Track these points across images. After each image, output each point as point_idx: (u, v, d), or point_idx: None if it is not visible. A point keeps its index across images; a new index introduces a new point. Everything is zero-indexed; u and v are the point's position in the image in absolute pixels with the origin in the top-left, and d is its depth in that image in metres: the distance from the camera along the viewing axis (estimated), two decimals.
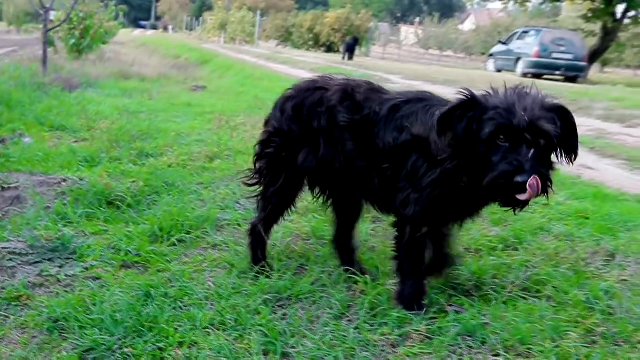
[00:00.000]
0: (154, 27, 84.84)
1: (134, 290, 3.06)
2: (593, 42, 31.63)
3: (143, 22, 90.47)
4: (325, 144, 3.13)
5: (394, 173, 2.93)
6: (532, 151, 2.47)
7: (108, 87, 12.17)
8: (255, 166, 3.40)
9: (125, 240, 3.73)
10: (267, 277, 3.26)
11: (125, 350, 2.55)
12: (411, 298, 2.96)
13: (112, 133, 6.71)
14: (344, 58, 30.12)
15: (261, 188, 3.39)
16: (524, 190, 2.44)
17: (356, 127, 3.03)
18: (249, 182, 3.46)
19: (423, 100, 2.94)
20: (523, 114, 2.49)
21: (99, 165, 5.47)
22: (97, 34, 18.20)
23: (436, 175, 2.77)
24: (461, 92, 2.63)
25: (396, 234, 3.00)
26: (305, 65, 22.29)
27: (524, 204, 2.55)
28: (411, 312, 2.90)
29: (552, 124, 2.53)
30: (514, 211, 2.65)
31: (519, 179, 2.43)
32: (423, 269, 3.00)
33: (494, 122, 2.51)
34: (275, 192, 3.31)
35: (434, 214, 2.87)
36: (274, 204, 3.34)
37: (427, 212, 2.84)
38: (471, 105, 2.60)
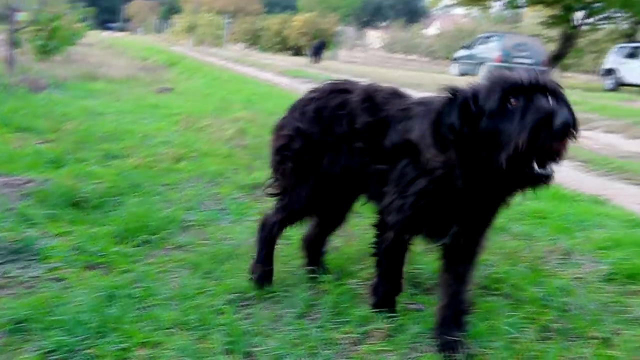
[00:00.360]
0: (123, 30, 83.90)
1: (97, 291, 3.02)
2: (553, 47, 32.19)
3: (111, 24, 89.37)
4: (347, 150, 2.94)
5: (386, 175, 2.77)
6: (551, 99, 2.22)
7: (75, 88, 12.00)
8: (275, 174, 3.17)
9: (90, 241, 3.69)
10: (232, 277, 3.25)
11: (88, 351, 2.52)
12: (384, 295, 2.94)
13: (78, 134, 6.63)
14: (310, 61, 30.17)
15: (282, 196, 3.17)
16: (566, 136, 2.15)
17: (371, 129, 2.85)
18: (273, 192, 3.23)
19: (428, 104, 2.67)
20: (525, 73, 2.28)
21: (64, 166, 5.38)
22: (64, 35, 17.93)
23: (423, 184, 2.56)
24: (443, 89, 2.43)
25: (377, 235, 2.91)
26: (272, 68, 22.28)
27: (558, 157, 2.25)
28: (381, 309, 2.89)
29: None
30: (539, 184, 2.29)
31: (558, 120, 2.11)
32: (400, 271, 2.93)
33: (499, 87, 2.26)
34: (301, 196, 3.08)
35: (417, 224, 2.67)
36: (295, 207, 3.12)
37: (410, 222, 2.66)
38: (455, 97, 2.39)
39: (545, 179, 2.25)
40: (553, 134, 2.13)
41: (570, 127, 2.13)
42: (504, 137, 2.21)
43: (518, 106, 2.21)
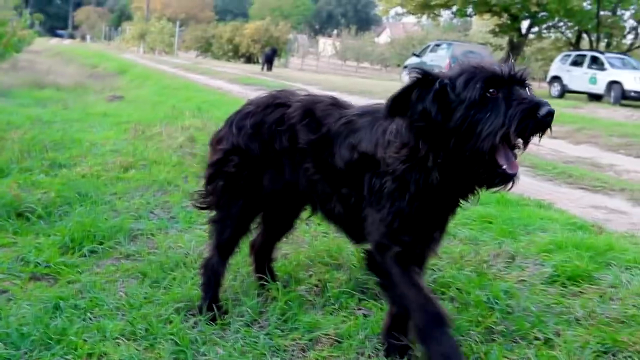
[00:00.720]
0: (72, 37, 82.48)
1: (42, 302, 2.96)
2: (501, 55, 32.84)
3: (60, 31, 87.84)
4: (289, 166, 2.84)
5: (357, 199, 2.62)
6: (528, 91, 2.27)
7: (21, 96, 11.76)
8: (207, 188, 3.04)
9: (35, 251, 3.62)
10: (180, 286, 3.22)
11: None
12: (428, 328, 2.39)
13: (23, 143, 6.48)
14: (262, 69, 30.15)
15: (214, 213, 3.05)
16: (550, 125, 2.21)
17: (315, 147, 2.73)
18: (201, 206, 3.16)
19: (372, 113, 2.64)
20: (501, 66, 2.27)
21: (8, 175, 5.27)
22: (10, 42, 17.54)
23: (394, 187, 2.43)
24: (414, 70, 2.32)
25: (382, 272, 2.54)
26: (224, 76, 22.18)
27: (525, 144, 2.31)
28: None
29: None
30: (506, 184, 2.31)
31: (542, 110, 2.16)
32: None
33: (480, 77, 2.23)
34: (233, 215, 2.96)
35: (404, 230, 2.45)
36: (231, 229, 2.99)
37: (396, 230, 2.45)
38: (428, 81, 2.29)
39: (513, 178, 2.29)
40: (539, 123, 2.18)
41: (553, 117, 2.18)
42: (485, 127, 2.19)
43: (499, 96, 2.21)
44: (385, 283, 2.54)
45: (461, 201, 2.49)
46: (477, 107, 2.21)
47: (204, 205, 3.14)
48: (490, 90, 2.21)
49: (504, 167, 2.26)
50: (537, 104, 2.16)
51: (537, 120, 2.16)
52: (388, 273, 2.49)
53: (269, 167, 2.89)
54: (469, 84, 2.23)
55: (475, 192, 2.44)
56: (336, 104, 2.85)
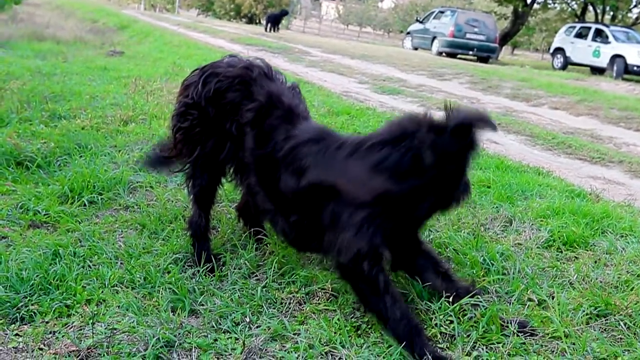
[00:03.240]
0: None
1: (41, 249, 2.98)
2: (505, 25, 32.57)
3: None
4: (233, 150, 2.93)
5: (310, 226, 2.66)
6: None
7: (20, 48, 11.66)
8: (174, 137, 3.07)
9: (34, 200, 3.63)
10: (177, 237, 3.25)
11: (31, 307, 2.50)
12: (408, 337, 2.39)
13: (23, 94, 6.44)
14: (266, 29, 29.69)
15: (187, 166, 3.09)
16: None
17: (261, 162, 2.79)
18: (167, 155, 3.21)
19: (321, 141, 2.65)
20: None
21: (8, 125, 5.25)
22: None
23: (366, 213, 2.45)
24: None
25: (357, 284, 2.54)
26: (225, 35, 21.99)
27: None
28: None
29: None
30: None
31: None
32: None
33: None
34: (198, 168, 3.02)
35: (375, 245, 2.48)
36: (201, 181, 3.05)
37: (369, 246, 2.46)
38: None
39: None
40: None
41: None
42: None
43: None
44: (362, 293, 2.54)
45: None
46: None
47: (169, 155, 3.19)
48: None
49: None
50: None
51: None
52: (365, 285, 2.51)
53: (216, 134, 2.95)
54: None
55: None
56: (291, 113, 2.84)
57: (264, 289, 2.80)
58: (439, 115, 2.42)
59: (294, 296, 2.77)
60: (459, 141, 2.37)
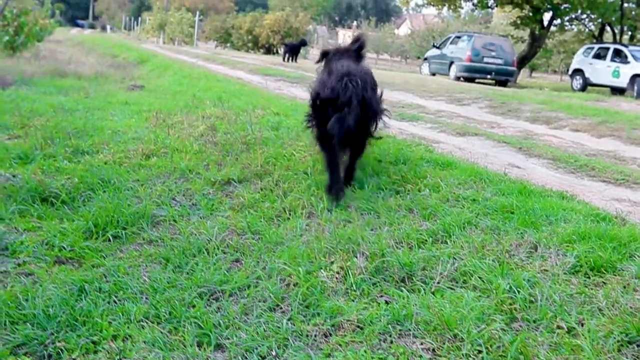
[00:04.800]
0: (92, 27, 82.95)
1: (67, 285, 3.01)
2: (522, 47, 32.56)
3: (80, 21, 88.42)
4: None
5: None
6: None
7: (43, 84, 11.86)
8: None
9: (59, 236, 3.67)
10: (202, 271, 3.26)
11: (58, 344, 2.52)
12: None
13: (46, 130, 6.55)
14: (284, 59, 29.81)
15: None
16: None
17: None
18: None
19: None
20: None
21: (32, 162, 5.33)
22: (31, 31, 17.72)
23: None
24: None
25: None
26: (244, 66, 22.20)
27: None
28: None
29: None
30: None
31: None
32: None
33: None
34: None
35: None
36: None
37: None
38: None
39: None
40: None
41: None
42: None
43: None
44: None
45: None
46: None
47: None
48: None
49: None
50: None
51: None
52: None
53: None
54: None
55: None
56: None
57: (289, 322, 2.79)
58: None
59: (319, 328, 2.76)
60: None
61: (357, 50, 5.32)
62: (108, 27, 75.12)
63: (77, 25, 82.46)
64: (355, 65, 4.94)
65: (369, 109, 4.56)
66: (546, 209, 4.68)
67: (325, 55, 5.41)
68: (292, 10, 47.77)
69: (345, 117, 4.22)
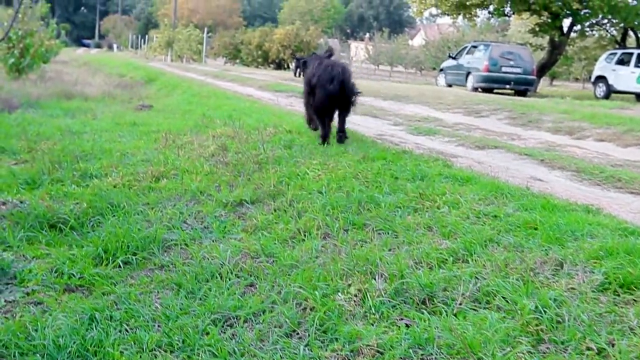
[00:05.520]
0: (98, 46, 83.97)
1: (77, 314, 3.03)
2: (541, 55, 32.46)
3: (86, 41, 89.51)
4: None
5: None
6: None
7: (50, 107, 12.00)
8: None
9: (69, 263, 3.70)
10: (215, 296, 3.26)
11: None
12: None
13: (53, 154, 6.62)
14: (295, 74, 29.76)
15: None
16: None
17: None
18: None
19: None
20: None
21: (40, 187, 5.39)
22: (37, 52, 17.95)
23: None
24: None
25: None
26: (254, 83, 22.33)
27: None
28: None
29: None
30: None
31: None
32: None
33: None
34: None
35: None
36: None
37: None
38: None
39: None
40: None
41: None
42: None
43: None
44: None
45: None
46: None
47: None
48: None
49: None
50: None
51: None
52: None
53: None
54: None
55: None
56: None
57: (306, 348, 2.79)
58: None
59: (337, 354, 2.76)
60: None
61: (329, 56, 8.08)
62: (115, 46, 75.96)
63: (83, 45, 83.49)
64: (333, 61, 7.86)
65: (346, 86, 7.39)
66: (571, 224, 4.65)
67: (304, 61, 9.27)
68: (303, 24, 48.10)
69: (332, 85, 7.23)
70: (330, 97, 7.21)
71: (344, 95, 7.37)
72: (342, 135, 7.67)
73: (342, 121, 7.66)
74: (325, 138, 7.49)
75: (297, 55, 35.25)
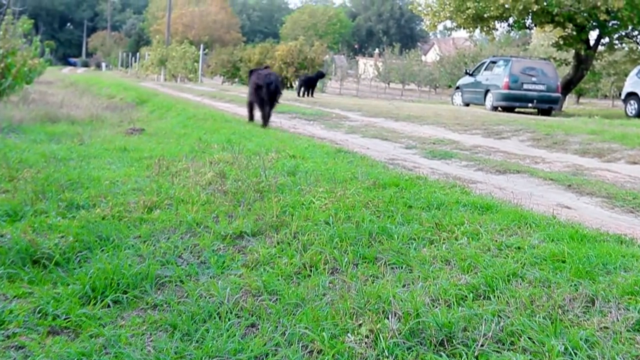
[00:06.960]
0: (85, 64, 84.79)
1: (63, 359, 3.02)
2: (566, 71, 32.55)
3: (73, 59, 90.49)
4: None
5: None
6: None
7: (33, 131, 12.08)
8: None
9: (53, 303, 3.69)
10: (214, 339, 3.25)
11: None
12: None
13: (37, 183, 6.64)
14: (299, 94, 29.51)
15: None
16: None
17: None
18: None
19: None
20: None
21: (22, 219, 5.39)
22: (19, 72, 18.08)
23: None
24: None
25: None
26: None
27: None
28: None
29: None
30: None
31: None
32: None
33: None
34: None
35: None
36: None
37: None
38: None
39: None
40: None
41: None
42: None
43: None
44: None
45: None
46: None
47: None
48: None
49: None
50: None
51: None
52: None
53: None
54: None
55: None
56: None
57: None
58: None
59: None
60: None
61: (266, 68, 14.28)
62: (103, 64, 76.69)
63: (69, 64, 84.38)
64: (269, 72, 14.25)
65: (276, 88, 13.45)
66: (603, 256, 4.63)
67: (251, 71, 14.82)
68: (306, 39, 48.48)
69: (270, 87, 13.26)
70: (270, 91, 13.47)
71: (274, 96, 13.63)
72: (268, 116, 13.89)
73: (269, 110, 13.88)
74: (265, 120, 13.82)
75: (301, 74, 35.43)
